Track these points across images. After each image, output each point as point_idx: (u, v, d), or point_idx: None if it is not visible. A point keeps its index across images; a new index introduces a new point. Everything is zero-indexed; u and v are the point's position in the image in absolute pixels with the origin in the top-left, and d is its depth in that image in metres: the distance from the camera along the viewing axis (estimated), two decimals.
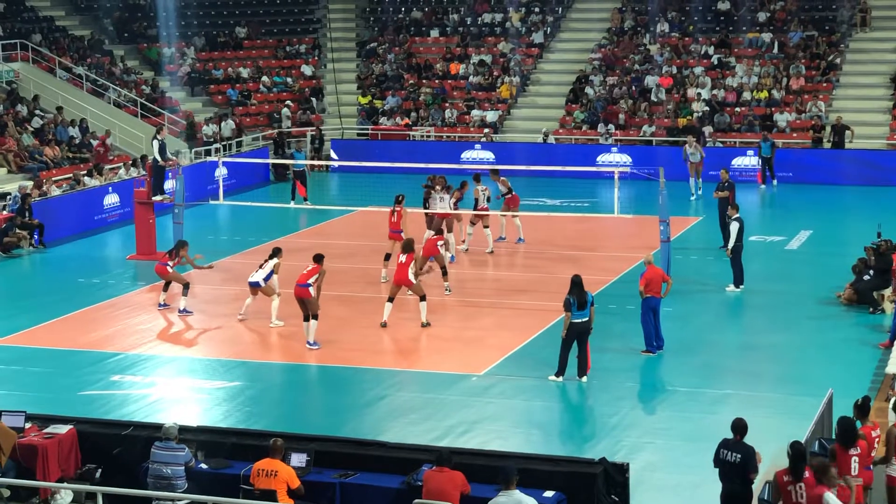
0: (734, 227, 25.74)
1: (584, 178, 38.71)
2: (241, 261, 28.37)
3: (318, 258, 23.23)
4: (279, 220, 34.41)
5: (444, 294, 25.79)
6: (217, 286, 27.34)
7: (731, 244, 25.85)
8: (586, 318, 20.41)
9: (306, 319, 22.83)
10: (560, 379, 20.52)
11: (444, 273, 26.12)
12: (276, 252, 24.47)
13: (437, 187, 28.90)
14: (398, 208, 27.20)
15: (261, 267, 24.25)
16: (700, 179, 37.36)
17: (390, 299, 23.89)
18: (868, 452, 13.95)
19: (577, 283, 20.51)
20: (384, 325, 23.79)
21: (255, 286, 24.17)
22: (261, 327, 24.36)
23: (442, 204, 28.69)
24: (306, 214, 35.17)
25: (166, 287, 25.62)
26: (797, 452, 12.99)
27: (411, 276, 23.64)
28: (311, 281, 22.68)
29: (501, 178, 30.34)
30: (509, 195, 30.21)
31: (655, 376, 21.29)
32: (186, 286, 25.28)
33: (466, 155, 42.20)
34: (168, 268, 25.27)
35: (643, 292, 21.70)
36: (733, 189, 29.64)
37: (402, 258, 23.78)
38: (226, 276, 27.91)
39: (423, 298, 23.84)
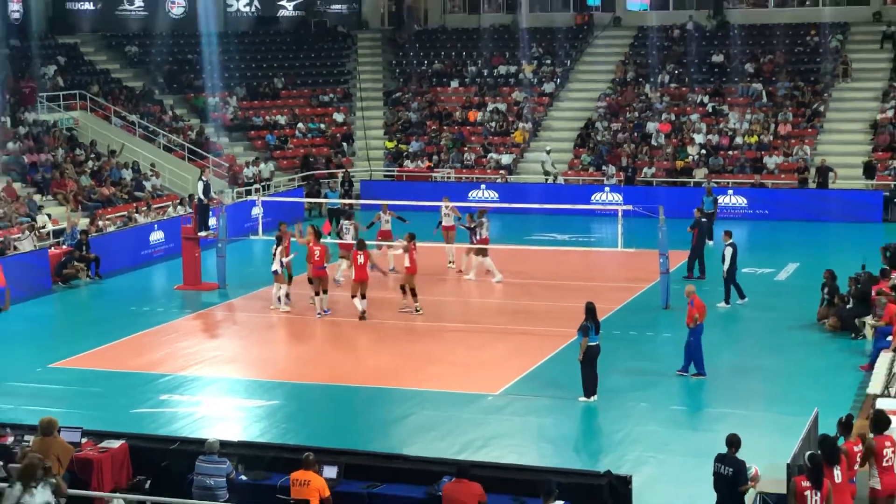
0: (728, 252, 27.04)
1: (585, 215, 38.93)
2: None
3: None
4: None
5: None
6: (256, 314, 27.40)
7: (725, 266, 27.07)
8: (598, 342, 20.37)
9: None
10: (592, 399, 20.28)
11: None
12: (279, 240, 27.18)
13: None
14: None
15: (274, 256, 26.94)
16: (453, 245, 31.15)
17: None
18: (851, 466, 13.91)
19: (591, 309, 20.33)
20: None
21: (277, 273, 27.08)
22: (297, 351, 24.41)
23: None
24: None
25: None
26: (816, 463, 12.91)
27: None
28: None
29: (390, 210, 31.40)
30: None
31: (658, 396, 21.12)
32: None
33: (473, 194, 42.20)
34: None
35: (698, 319, 21.54)
36: (701, 227, 29.98)
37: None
38: (265, 303, 27.97)
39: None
